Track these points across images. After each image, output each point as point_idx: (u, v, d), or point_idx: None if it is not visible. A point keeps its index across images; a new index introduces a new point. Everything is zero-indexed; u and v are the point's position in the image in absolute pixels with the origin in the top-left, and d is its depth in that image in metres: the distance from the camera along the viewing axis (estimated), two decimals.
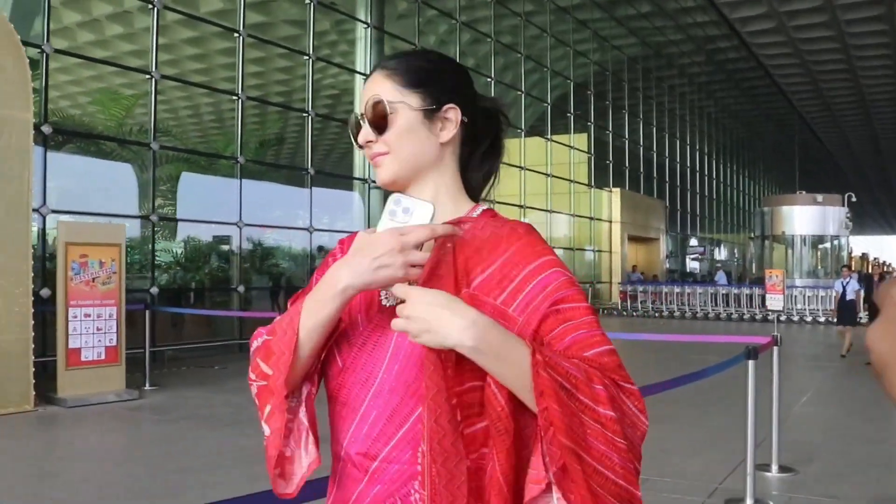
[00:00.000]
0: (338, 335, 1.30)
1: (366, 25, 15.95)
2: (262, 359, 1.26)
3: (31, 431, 7.15)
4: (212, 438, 6.74)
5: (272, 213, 14.21)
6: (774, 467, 5.74)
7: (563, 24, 24.18)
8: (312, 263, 13.81)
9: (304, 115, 14.43)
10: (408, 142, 1.30)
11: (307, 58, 14.40)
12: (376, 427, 1.24)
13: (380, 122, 1.30)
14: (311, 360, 1.27)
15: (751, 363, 5.18)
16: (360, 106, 1.32)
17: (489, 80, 19.86)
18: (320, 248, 14.12)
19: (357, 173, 15.90)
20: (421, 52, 1.42)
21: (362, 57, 16.04)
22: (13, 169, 7.84)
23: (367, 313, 1.30)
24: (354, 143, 1.34)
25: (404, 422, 1.23)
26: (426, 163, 1.33)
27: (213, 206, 13.31)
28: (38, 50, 9.88)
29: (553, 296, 1.21)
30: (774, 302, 14.88)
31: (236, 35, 13.09)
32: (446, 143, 1.33)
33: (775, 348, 5.83)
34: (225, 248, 13.41)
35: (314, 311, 1.22)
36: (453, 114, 1.32)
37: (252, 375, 1.28)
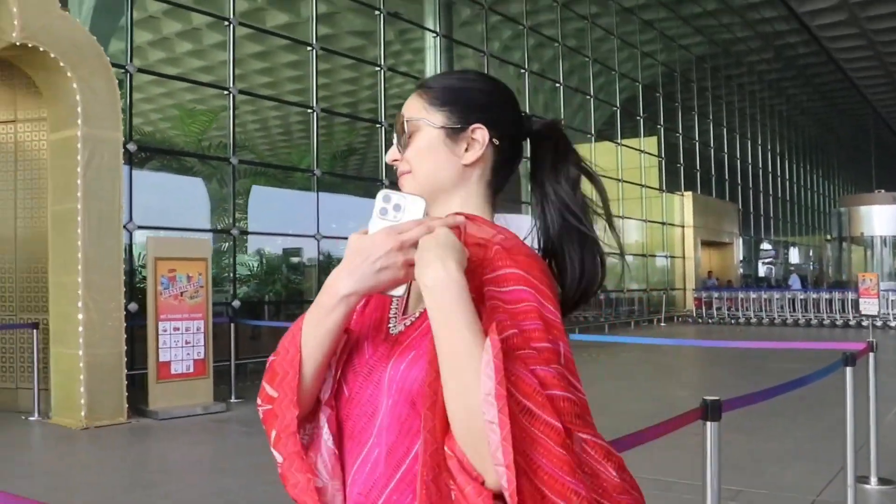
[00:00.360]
0: (344, 363, 1.24)
1: (434, 34, 16.05)
2: (267, 381, 1.20)
3: (124, 443, 7.35)
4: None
5: (347, 225, 14.38)
6: (874, 479, 5.57)
7: (628, 25, 23.97)
8: None
9: (377, 125, 14.57)
10: (426, 161, 1.26)
11: (378, 68, 14.55)
12: (378, 467, 1.15)
13: (404, 139, 1.28)
14: (320, 379, 1.20)
15: (848, 370, 5.06)
16: (398, 121, 1.29)
17: (557, 84, 19.79)
18: None
19: None
20: (461, 71, 1.36)
21: (432, 66, 16.13)
22: (105, 187, 8.08)
23: (374, 340, 1.24)
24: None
25: (401, 462, 1.14)
26: (446, 184, 1.26)
27: (286, 219, 13.52)
28: (122, 70, 10.18)
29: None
30: (869, 306, 14.44)
31: (309, 48, 13.28)
32: (471, 164, 1.26)
33: (871, 355, 5.67)
34: (296, 259, 13.61)
35: (316, 324, 1.16)
36: (480, 134, 1.25)
37: (258, 401, 1.23)
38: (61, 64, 7.88)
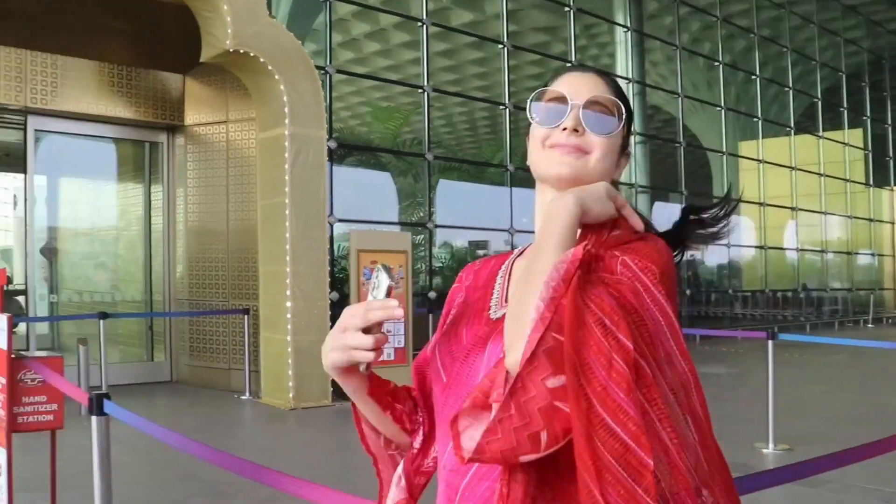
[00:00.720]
0: (441, 348, 1.28)
1: (625, 29, 15.79)
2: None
3: (330, 425, 7.69)
4: None
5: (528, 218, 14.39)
6: None
7: (829, 12, 22.62)
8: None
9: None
10: (606, 158, 1.26)
11: (568, 65, 14.47)
12: None
13: (603, 121, 1.25)
14: (391, 418, 1.30)
15: None
16: (575, 92, 1.26)
17: (753, 76, 18.97)
18: None
19: (622, 178, 15.71)
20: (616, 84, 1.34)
21: (622, 60, 15.88)
22: (310, 183, 8.50)
23: (473, 325, 1.25)
24: (530, 115, 1.29)
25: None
26: None
27: (474, 213, 13.69)
28: (323, 71, 10.64)
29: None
30: None
31: (500, 46, 13.39)
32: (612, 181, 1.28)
33: None
34: (482, 252, 13.74)
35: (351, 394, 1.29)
36: (626, 160, 1.32)
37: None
38: (269, 68, 8.35)
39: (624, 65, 15.82)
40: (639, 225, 1.20)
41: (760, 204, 18.58)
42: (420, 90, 12.13)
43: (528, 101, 1.30)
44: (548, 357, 0.93)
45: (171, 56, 9.76)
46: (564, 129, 1.24)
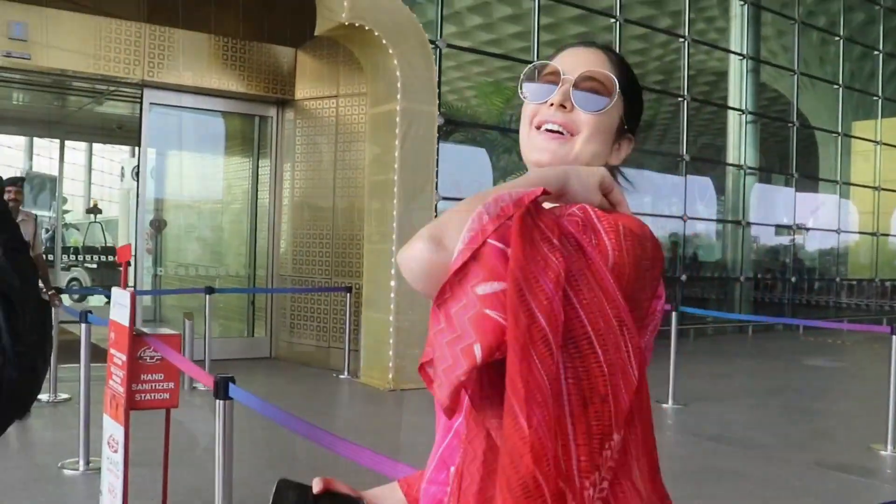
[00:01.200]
0: None
1: (742, 2, 15.13)
2: None
3: (430, 408, 7.51)
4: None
5: (641, 200, 14.04)
6: None
7: None
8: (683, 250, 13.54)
9: (680, 99, 14.02)
10: (595, 140, 1.20)
11: (682, 40, 13.97)
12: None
13: (593, 98, 1.19)
14: None
15: None
16: (570, 67, 1.20)
17: (876, 52, 17.98)
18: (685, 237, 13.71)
19: (731, 159, 15.18)
20: (622, 60, 1.27)
21: (738, 34, 15.24)
22: (420, 159, 8.36)
23: None
24: (520, 92, 1.24)
25: (443, 439, 1.18)
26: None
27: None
28: (433, 45, 10.46)
29: None
30: None
31: (612, 20, 13.00)
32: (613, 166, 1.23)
33: None
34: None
35: None
36: (628, 146, 1.25)
37: None
38: (384, 41, 8.20)
39: (738, 40, 15.19)
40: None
41: (875, 188, 17.72)
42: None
43: (521, 75, 1.27)
44: (481, 263, 0.91)
45: (283, 29, 9.72)
46: (552, 105, 1.20)
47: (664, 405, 7.71)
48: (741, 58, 14.89)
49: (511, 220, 0.92)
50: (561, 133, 1.19)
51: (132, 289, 4.02)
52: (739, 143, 14.98)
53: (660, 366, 8.32)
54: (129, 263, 4.41)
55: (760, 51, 15.68)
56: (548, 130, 1.20)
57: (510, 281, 0.89)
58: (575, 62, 1.22)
